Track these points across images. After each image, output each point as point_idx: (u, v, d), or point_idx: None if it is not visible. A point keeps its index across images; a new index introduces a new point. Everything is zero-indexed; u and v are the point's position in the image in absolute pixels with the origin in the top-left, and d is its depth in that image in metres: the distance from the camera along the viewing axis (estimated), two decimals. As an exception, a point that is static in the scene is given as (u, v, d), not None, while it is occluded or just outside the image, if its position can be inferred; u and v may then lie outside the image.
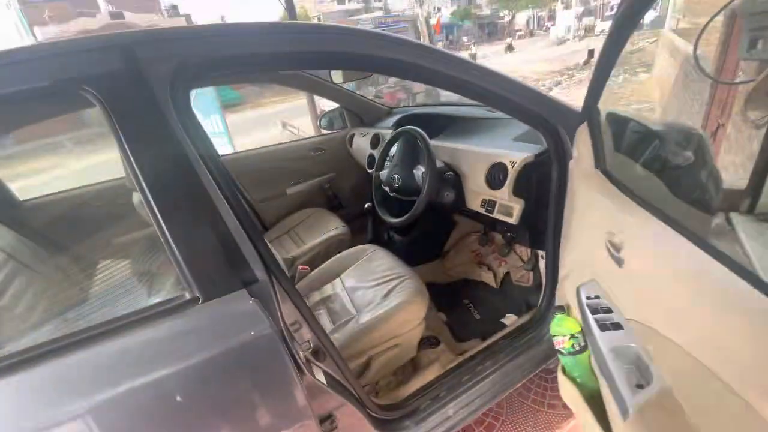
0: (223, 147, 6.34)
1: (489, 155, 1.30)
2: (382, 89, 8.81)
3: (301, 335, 0.87)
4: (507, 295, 1.71)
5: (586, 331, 0.93)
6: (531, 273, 1.71)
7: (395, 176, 1.45)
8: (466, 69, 0.96)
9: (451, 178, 1.36)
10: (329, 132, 2.45)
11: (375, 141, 1.97)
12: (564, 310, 1.11)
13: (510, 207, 1.27)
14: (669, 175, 0.88)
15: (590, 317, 0.88)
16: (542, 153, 1.19)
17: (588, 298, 0.93)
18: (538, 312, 1.40)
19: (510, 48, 9.46)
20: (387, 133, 1.92)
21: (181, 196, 0.69)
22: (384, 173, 1.54)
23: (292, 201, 2.30)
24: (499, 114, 1.63)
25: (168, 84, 0.68)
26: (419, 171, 1.38)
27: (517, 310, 1.61)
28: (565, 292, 1.17)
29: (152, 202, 0.66)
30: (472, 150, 1.37)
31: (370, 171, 1.97)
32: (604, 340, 0.82)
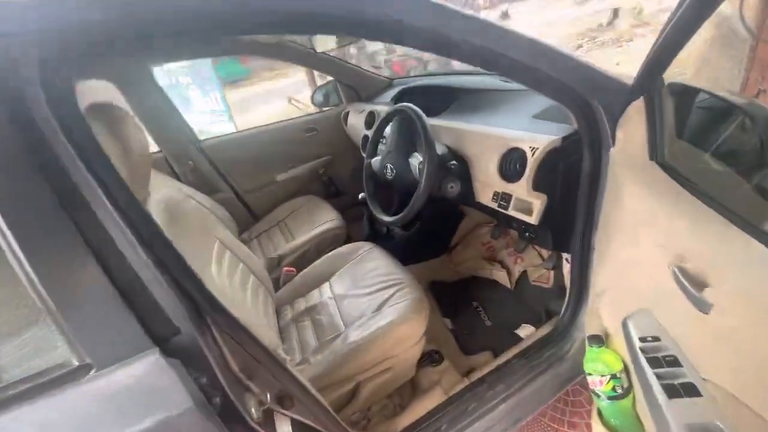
0: (222, 125, 6.12)
1: (503, 138, 1.05)
2: (391, 59, 8.29)
3: (261, 380, 0.67)
4: (523, 298, 1.49)
5: (643, 389, 0.70)
6: (552, 272, 1.48)
7: (388, 165, 1.21)
8: (471, 27, 0.70)
9: (455, 168, 1.11)
10: (324, 109, 2.19)
11: (370, 120, 1.71)
12: (601, 341, 0.88)
13: (529, 203, 1.03)
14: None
15: (648, 370, 0.65)
16: (570, 136, 0.93)
17: (643, 340, 0.69)
18: (560, 324, 1.18)
19: (505, 15, 8.62)
20: (383, 111, 1.66)
21: (47, 211, 0.47)
22: (376, 161, 1.30)
23: (284, 188, 2.09)
24: (514, 85, 1.34)
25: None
26: (416, 160, 1.14)
27: (534, 317, 1.39)
28: (600, 314, 0.94)
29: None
30: (482, 131, 1.11)
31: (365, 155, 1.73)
32: (673, 410, 0.59)
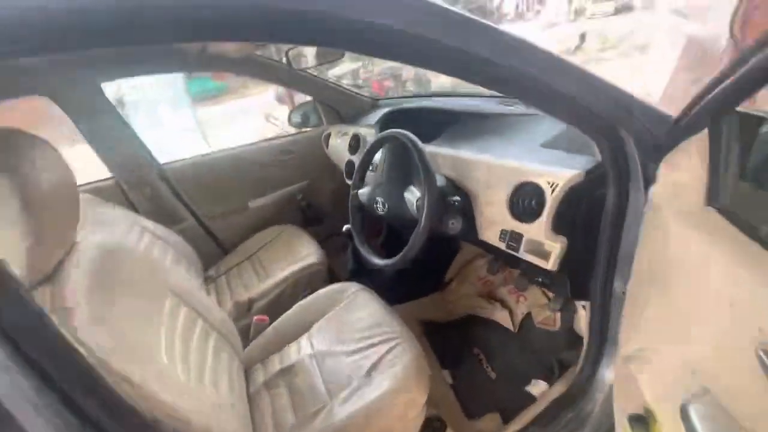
0: (193, 144, 5.83)
1: (514, 170, 0.90)
2: (369, 79, 8.24)
3: None
4: (529, 342, 1.33)
5: None
6: (558, 314, 1.34)
7: (379, 200, 1.03)
8: (483, 38, 0.55)
9: (458, 205, 0.95)
10: (302, 130, 2.02)
11: (354, 144, 1.54)
12: (644, 423, 0.72)
13: (545, 247, 0.88)
14: None
15: None
16: (594, 170, 0.80)
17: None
18: (578, 381, 1.02)
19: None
20: (369, 134, 1.50)
21: None
22: (364, 192, 1.13)
23: (256, 217, 1.88)
24: (515, 108, 1.22)
25: None
26: (412, 195, 0.97)
27: (545, 369, 1.23)
28: (639, 384, 0.78)
29: None
30: (488, 161, 0.97)
31: (349, 182, 1.56)
32: None
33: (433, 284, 1.61)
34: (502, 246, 0.98)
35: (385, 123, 1.48)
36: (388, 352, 0.98)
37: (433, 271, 1.60)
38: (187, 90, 6.05)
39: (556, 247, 0.85)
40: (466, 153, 1.03)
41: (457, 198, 0.93)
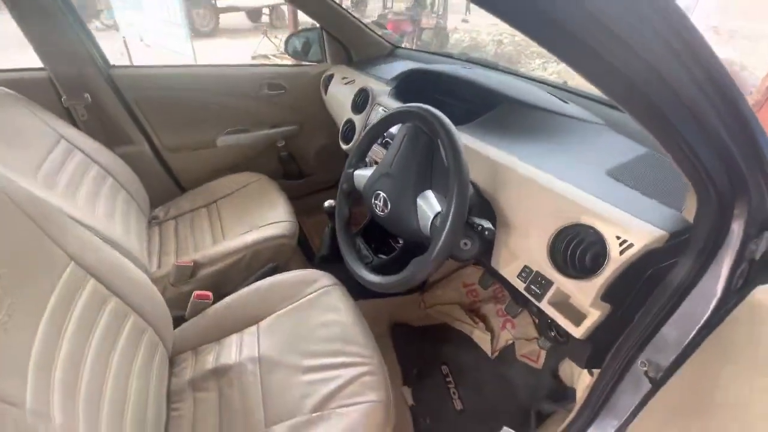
0: (176, 42, 5.14)
1: (570, 204, 0.66)
2: (387, 14, 7.38)
3: None
4: (506, 375, 1.18)
5: None
6: (543, 351, 1.19)
7: (381, 195, 0.77)
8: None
9: (489, 234, 0.70)
10: (298, 63, 1.66)
11: (360, 100, 1.24)
12: None
13: (580, 309, 0.68)
14: None
15: None
16: (682, 233, 0.58)
17: None
18: None
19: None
20: (381, 92, 1.19)
21: None
22: (363, 177, 0.86)
23: (225, 157, 1.57)
24: (574, 109, 0.96)
25: None
26: (429, 206, 0.72)
27: (519, 413, 1.09)
28: None
29: None
30: (535, 178, 0.72)
31: (345, 147, 1.27)
32: None
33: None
34: (520, 286, 0.77)
35: (404, 84, 1.17)
36: (351, 381, 0.79)
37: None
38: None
39: (595, 314, 0.65)
40: (507, 158, 0.77)
41: (487, 225, 0.69)
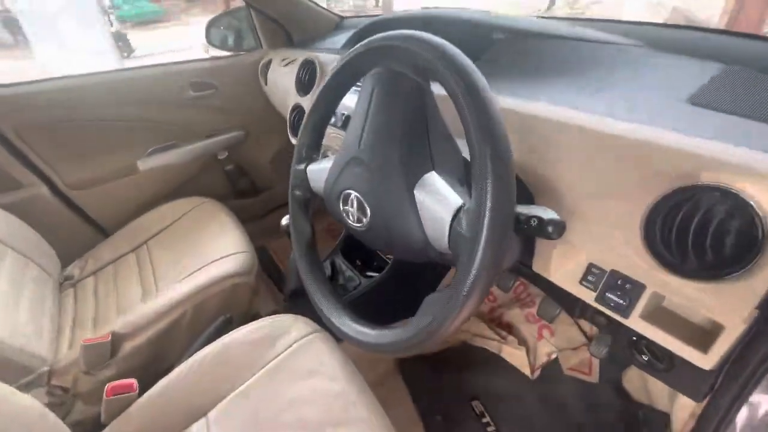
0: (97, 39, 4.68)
1: (675, 156, 0.38)
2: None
3: None
4: (553, 398, 0.91)
5: None
6: (597, 360, 0.92)
7: (352, 194, 0.47)
8: None
9: (555, 229, 0.39)
10: (227, 55, 1.35)
11: (306, 76, 0.94)
12: None
13: (702, 324, 0.41)
14: None
15: None
16: None
17: None
18: None
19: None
20: (332, 62, 0.90)
21: None
22: (320, 171, 0.55)
23: (151, 184, 1.25)
24: (602, 34, 0.68)
25: None
26: (440, 198, 0.41)
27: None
28: None
29: None
30: (601, 130, 0.44)
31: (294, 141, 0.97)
32: None
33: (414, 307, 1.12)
34: (586, 296, 0.49)
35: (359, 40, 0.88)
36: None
37: (419, 288, 1.08)
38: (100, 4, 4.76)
39: (737, 329, 0.38)
40: (545, 108, 0.49)
41: (549, 216, 0.39)
